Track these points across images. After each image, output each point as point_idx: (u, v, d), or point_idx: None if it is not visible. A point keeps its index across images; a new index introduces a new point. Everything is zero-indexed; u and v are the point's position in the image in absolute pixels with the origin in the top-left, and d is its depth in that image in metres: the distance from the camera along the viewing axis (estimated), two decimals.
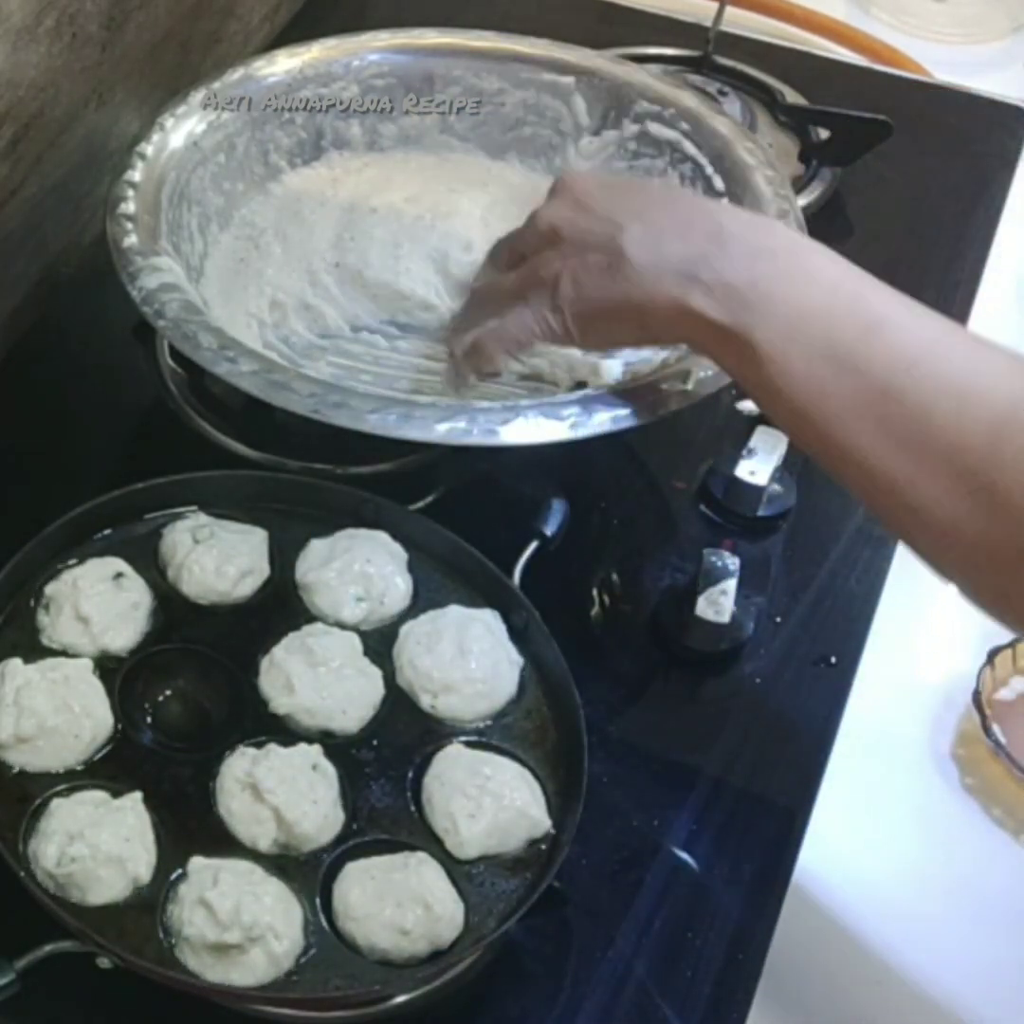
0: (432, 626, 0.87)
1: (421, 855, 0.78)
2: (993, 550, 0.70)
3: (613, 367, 0.97)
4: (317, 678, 0.83)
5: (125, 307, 0.94)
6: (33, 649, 0.84)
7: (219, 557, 0.88)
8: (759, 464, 1.00)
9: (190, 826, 0.79)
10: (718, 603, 0.93)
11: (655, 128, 1.10)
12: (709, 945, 0.83)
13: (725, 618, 0.93)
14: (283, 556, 0.90)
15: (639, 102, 1.10)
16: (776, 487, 1.01)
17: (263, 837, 0.78)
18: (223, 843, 0.78)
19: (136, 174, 1.00)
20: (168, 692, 0.85)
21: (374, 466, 0.97)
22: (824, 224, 1.16)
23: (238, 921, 0.73)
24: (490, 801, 0.79)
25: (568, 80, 1.12)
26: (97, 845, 0.75)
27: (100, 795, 0.79)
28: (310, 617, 0.87)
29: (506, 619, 0.87)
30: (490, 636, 0.86)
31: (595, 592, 1.00)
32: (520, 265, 0.88)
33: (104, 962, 0.75)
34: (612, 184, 0.99)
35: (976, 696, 0.91)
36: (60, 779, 0.79)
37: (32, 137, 1.02)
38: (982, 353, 0.74)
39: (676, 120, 1.09)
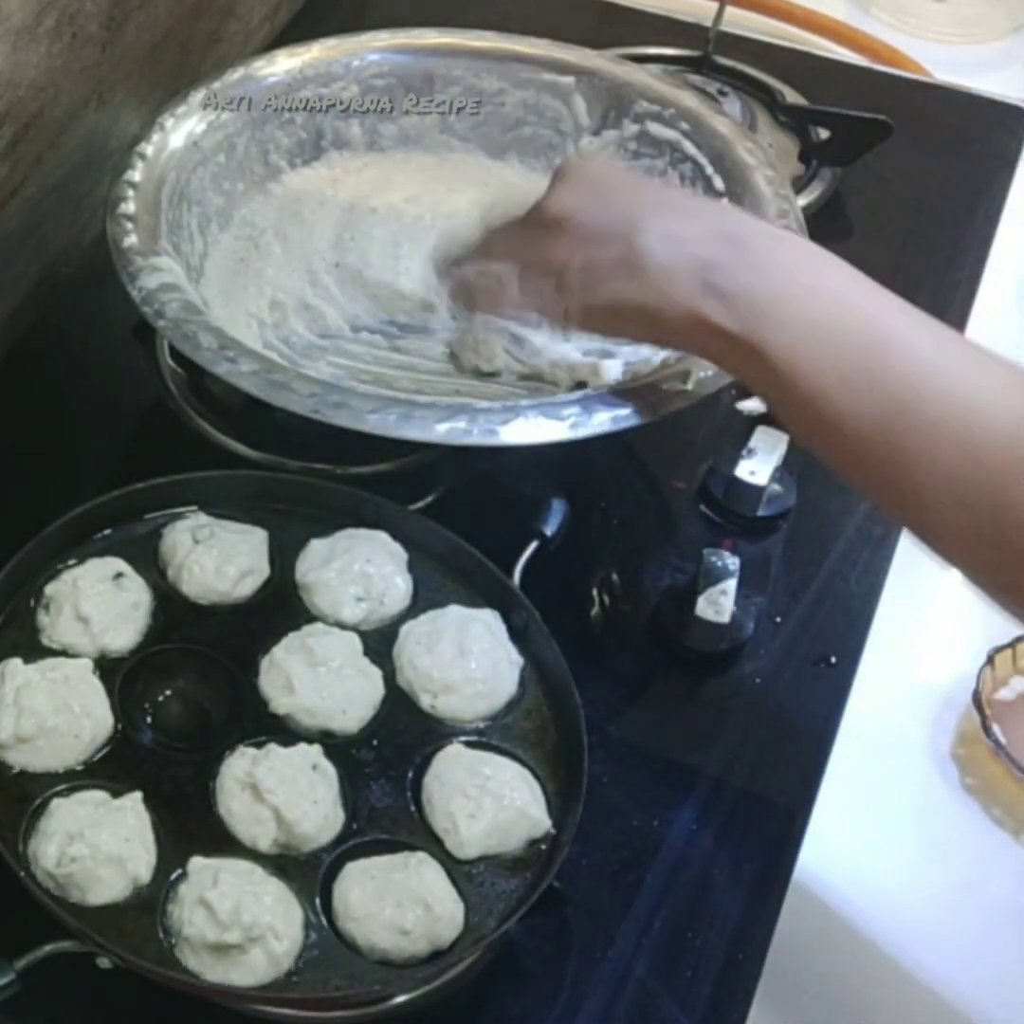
0: (432, 626, 0.87)
1: (421, 855, 0.78)
2: (1002, 550, 0.71)
3: (613, 367, 0.97)
4: (317, 678, 0.83)
5: (125, 307, 0.94)
6: (33, 649, 0.84)
7: (219, 557, 0.88)
8: (759, 464, 1.00)
9: (190, 826, 0.79)
10: (718, 603, 0.93)
11: (655, 128, 1.10)
12: (709, 945, 0.83)
13: (725, 618, 0.93)
14: (283, 556, 0.90)
15: (639, 102, 1.10)
16: (776, 487, 1.01)
17: (263, 837, 0.78)
18: (223, 843, 0.78)
19: (136, 174, 1.00)
20: (168, 692, 0.85)
21: (374, 466, 0.97)
22: (824, 224, 1.16)
23: (238, 921, 0.73)
24: (490, 801, 0.79)
25: (568, 80, 1.12)
26: (97, 845, 0.75)
27: (100, 795, 0.79)
28: (310, 617, 0.87)
29: (506, 619, 0.87)
30: (490, 636, 0.86)
31: (595, 592, 1.00)
32: (527, 247, 0.86)
33: (104, 962, 0.75)
34: (626, 175, 0.98)
35: (976, 696, 0.91)
36: (60, 779, 0.79)
37: (32, 137, 1.02)
38: (988, 367, 0.74)
39: (676, 120, 1.09)
